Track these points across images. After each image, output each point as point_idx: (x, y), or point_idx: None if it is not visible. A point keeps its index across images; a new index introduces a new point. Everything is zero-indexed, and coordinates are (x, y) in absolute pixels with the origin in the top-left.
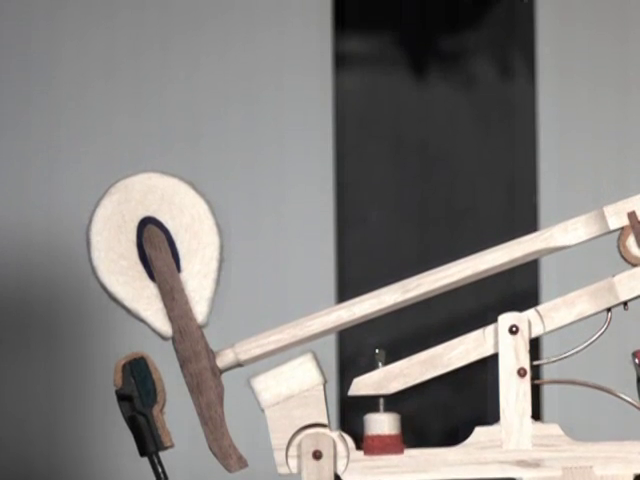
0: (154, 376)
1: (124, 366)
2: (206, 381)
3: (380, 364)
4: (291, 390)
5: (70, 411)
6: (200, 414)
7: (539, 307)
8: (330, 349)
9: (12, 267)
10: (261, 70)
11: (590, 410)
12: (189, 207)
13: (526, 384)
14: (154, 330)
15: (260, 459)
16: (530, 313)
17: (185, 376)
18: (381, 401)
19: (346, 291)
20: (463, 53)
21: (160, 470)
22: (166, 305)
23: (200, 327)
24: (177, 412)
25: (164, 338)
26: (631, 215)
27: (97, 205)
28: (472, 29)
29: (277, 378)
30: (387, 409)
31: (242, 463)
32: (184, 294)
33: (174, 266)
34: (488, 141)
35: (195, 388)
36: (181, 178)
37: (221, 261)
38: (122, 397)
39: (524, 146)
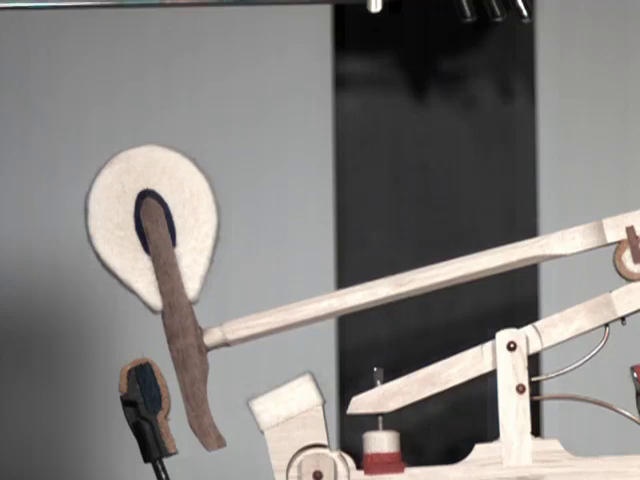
0: (159, 382)
1: (129, 372)
2: (192, 358)
3: (378, 382)
4: (290, 411)
5: (71, 427)
6: (183, 390)
7: (537, 323)
8: (330, 368)
9: (13, 285)
10: (261, 91)
11: (590, 425)
12: (189, 183)
13: (525, 400)
14: (144, 303)
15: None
16: (528, 329)
17: (171, 351)
18: (380, 419)
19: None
20: (463, 75)
21: (164, 477)
22: (158, 278)
23: (190, 303)
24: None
25: (153, 311)
26: (629, 230)
27: (98, 174)
28: (472, 51)
29: (276, 400)
30: (386, 427)
31: (220, 442)
32: (177, 269)
33: (169, 240)
34: (488, 163)
35: (180, 364)
36: (184, 153)
37: (217, 240)
38: (127, 403)
39: (524, 168)
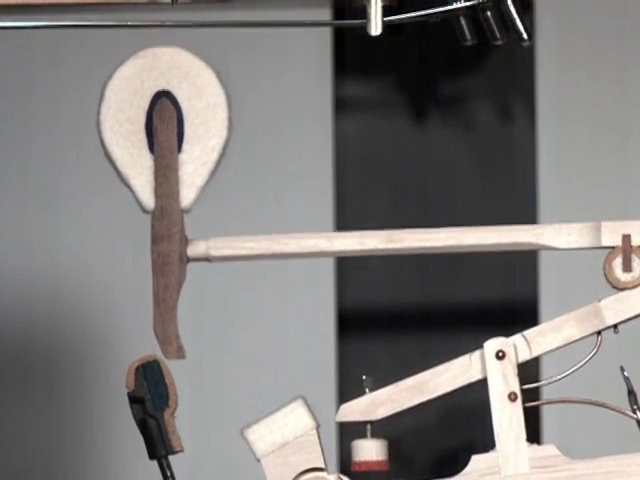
0: (167, 380)
1: (137, 368)
2: (171, 264)
3: (367, 390)
4: (285, 437)
5: (70, 455)
6: (155, 294)
7: (526, 332)
8: (330, 390)
9: (13, 312)
10: (261, 114)
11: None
12: (208, 94)
13: (518, 408)
14: (137, 200)
15: None
16: (516, 338)
17: (152, 253)
18: (368, 427)
19: (347, 335)
20: (463, 98)
21: (169, 474)
22: (156, 180)
23: (182, 211)
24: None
25: (144, 211)
26: (625, 237)
27: (121, 64)
28: (472, 74)
29: (270, 426)
30: (379, 436)
31: (180, 353)
32: (177, 175)
33: (176, 145)
34: (488, 186)
35: (159, 268)
36: (210, 63)
37: (222, 156)
38: (134, 399)
39: (524, 191)
